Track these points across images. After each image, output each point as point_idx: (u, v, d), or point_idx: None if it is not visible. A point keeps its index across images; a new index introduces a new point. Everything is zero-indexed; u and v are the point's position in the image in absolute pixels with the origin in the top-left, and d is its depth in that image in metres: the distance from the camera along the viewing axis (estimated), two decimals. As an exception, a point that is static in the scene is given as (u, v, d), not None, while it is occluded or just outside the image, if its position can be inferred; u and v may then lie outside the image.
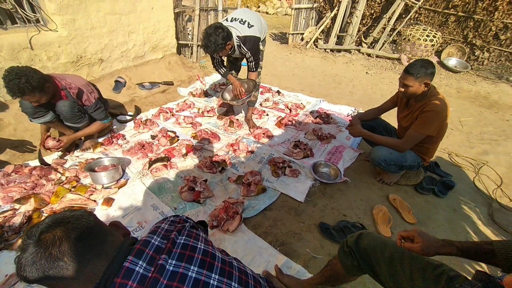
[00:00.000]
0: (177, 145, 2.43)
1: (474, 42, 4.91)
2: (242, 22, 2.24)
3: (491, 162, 2.56)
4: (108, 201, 1.81)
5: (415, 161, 1.96)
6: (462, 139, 2.97)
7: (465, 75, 4.81)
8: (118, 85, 3.20)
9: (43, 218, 1.63)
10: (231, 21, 2.26)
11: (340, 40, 6.09)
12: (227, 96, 2.66)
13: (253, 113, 3.01)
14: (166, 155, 2.27)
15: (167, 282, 0.59)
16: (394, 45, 5.60)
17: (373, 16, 5.84)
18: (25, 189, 1.80)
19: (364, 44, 5.85)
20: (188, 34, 4.66)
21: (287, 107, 3.34)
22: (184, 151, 2.34)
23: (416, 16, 5.46)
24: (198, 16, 4.38)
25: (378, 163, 1.97)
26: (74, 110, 2.07)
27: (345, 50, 5.85)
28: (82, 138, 2.32)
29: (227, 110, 3.08)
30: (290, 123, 2.97)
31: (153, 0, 3.38)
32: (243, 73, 3.13)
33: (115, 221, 0.74)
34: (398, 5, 5.22)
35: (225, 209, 1.76)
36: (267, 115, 3.17)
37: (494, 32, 4.69)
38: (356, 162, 2.45)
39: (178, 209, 1.82)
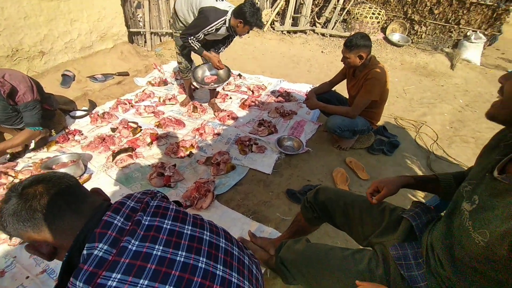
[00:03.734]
0: (140, 135, 2.39)
1: (413, 17, 5.39)
2: (228, 4, 2.24)
3: (429, 122, 2.95)
4: (73, 197, 1.75)
5: (365, 125, 2.20)
6: (406, 105, 3.34)
7: (407, 48, 5.29)
8: (66, 79, 2.96)
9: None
10: (222, 0, 2.24)
11: (295, 21, 6.23)
12: (199, 79, 2.63)
13: (216, 97, 3.03)
14: (130, 146, 2.22)
15: (144, 233, 0.64)
16: (345, 24, 5.90)
17: (324, -4, 6.05)
18: (-27, 197, 1.66)
19: (318, 25, 6.07)
20: (139, 21, 4.40)
21: (249, 89, 3.41)
22: (148, 140, 2.31)
23: (363, -5, 5.78)
24: (148, 1, 4.15)
25: (334, 131, 2.17)
26: (7, 111, 1.87)
27: (301, 31, 6.01)
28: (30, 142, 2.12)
29: (190, 96, 3.04)
30: (253, 104, 3.06)
31: (94, -16, 3.13)
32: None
33: (96, 188, 0.76)
34: (345, -16, 5.48)
35: (197, 188, 1.82)
36: (230, 98, 3.22)
37: (429, 7, 5.19)
38: (316, 134, 2.64)
39: (149, 195, 1.83)
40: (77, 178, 1.89)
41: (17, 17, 2.51)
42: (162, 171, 1.96)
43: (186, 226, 0.73)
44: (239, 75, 3.83)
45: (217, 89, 3.01)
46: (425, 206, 1.03)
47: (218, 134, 2.51)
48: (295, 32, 6.02)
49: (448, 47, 5.06)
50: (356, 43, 1.86)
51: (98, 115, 2.61)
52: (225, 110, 2.87)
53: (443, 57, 4.79)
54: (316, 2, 6.11)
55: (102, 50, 3.50)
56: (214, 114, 2.84)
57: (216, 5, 2.20)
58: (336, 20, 5.82)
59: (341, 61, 2.04)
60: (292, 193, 1.91)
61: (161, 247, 0.63)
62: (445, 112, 3.21)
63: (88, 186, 1.87)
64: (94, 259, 0.56)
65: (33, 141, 2.15)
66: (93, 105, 2.87)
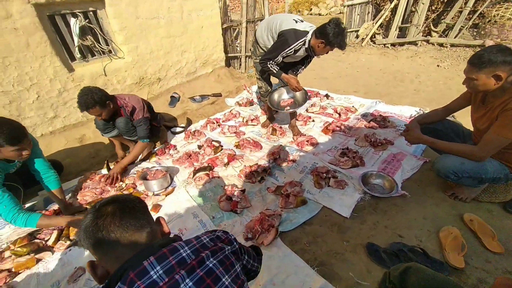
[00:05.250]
0: (220, 155, 2.51)
1: None
2: (309, 25, 2.20)
3: None
4: (156, 207, 1.97)
5: (501, 173, 1.51)
6: None
7: None
8: (173, 100, 3.53)
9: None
10: (302, 21, 2.19)
11: (402, 32, 5.41)
12: (275, 102, 2.60)
13: (297, 119, 2.89)
14: (210, 164, 2.36)
15: None
16: (476, 29, 4.63)
17: (445, 0, 4.98)
18: (95, 194, 2.13)
19: (434, 33, 5.04)
20: (237, 46, 4.86)
21: (336, 112, 3.08)
22: (225, 160, 2.39)
23: (507, -10, 4.41)
24: (245, 28, 4.53)
25: (446, 176, 1.60)
26: (128, 126, 2.37)
27: (410, 43, 5.14)
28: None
29: (270, 118, 3.03)
30: (338, 128, 2.73)
31: (203, 19, 3.65)
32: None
33: (160, 217, 0.77)
34: (479, -20, 4.33)
35: (260, 221, 1.70)
36: (313, 121, 2.99)
37: None
38: (419, 173, 2.06)
39: (215, 218, 1.85)
40: (163, 189, 2.14)
41: (145, 52, 3.20)
42: (230, 195, 1.96)
43: None
44: (326, 95, 3.56)
45: (298, 111, 2.87)
46: None
47: (294, 160, 2.34)
48: (401, 44, 5.22)
49: None
50: (490, 59, 1.30)
51: (190, 132, 2.94)
52: (305, 135, 2.68)
53: None
54: (432, 8, 5.12)
55: (203, 75, 4.02)
56: (293, 138, 2.69)
57: (296, 26, 2.12)
58: (462, 26, 4.65)
59: (463, 83, 1.50)
60: (375, 250, 1.49)
61: None
62: None
63: (170, 198, 2.07)
64: None
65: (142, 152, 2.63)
66: (189, 122, 3.28)
